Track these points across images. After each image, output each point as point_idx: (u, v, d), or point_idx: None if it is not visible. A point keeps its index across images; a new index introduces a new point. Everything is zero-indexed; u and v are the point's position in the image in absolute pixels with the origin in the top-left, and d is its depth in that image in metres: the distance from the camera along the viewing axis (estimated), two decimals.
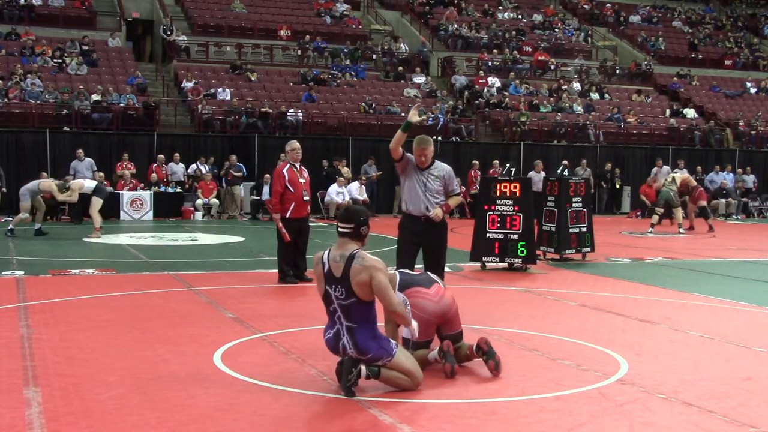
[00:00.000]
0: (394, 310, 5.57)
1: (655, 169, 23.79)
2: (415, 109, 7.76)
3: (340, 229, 5.63)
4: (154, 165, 22.58)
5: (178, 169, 22.74)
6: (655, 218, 19.69)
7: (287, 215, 10.53)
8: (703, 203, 20.54)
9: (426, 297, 6.18)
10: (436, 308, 6.16)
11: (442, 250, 7.90)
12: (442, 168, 7.89)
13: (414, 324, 5.75)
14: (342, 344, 5.55)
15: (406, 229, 7.86)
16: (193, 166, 22.89)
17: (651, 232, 19.26)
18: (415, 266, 7.44)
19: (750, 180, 27.71)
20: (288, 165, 10.71)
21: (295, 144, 10.89)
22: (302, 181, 10.69)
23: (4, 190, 20.57)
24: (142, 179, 22.26)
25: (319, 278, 5.65)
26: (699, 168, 27.39)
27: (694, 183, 20.90)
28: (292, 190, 10.54)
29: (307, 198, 10.71)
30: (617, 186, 26.94)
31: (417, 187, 7.74)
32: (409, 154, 7.83)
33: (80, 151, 20.87)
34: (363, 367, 5.48)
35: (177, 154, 22.88)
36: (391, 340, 5.70)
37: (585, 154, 26.93)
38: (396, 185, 24.33)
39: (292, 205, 10.54)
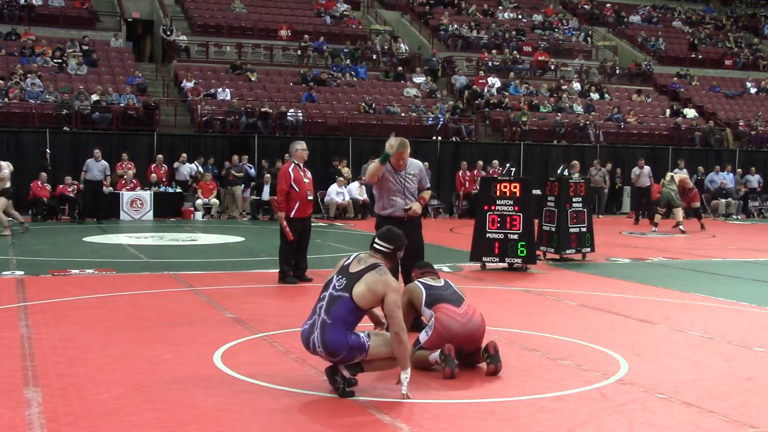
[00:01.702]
0: (399, 336, 5.32)
1: (636, 169, 23.85)
2: (391, 139, 7.88)
3: (376, 246, 5.69)
4: (153, 165, 22.56)
5: (184, 169, 22.71)
6: (657, 218, 19.74)
7: (291, 214, 10.55)
8: (697, 204, 20.92)
9: (454, 317, 6.09)
10: (462, 330, 6.06)
11: (421, 245, 8.10)
12: (415, 166, 8.13)
13: (407, 372, 5.39)
14: (312, 340, 5.42)
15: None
16: (192, 166, 22.88)
17: (655, 232, 19.33)
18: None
19: (755, 180, 27.67)
20: (293, 164, 10.73)
21: (301, 144, 10.92)
22: (306, 180, 10.71)
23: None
24: (141, 179, 22.25)
25: (336, 267, 5.69)
26: (700, 168, 27.39)
27: (691, 185, 21.06)
28: (296, 189, 10.56)
29: (310, 198, 10.74)
30: (617, 186, 26.97)
31: (396, 190, 7.95)
32: (386, 168, 8.01)
33: (97, 152, 20.56)
34: (346, 372, 5.42)
35: (184, 155, 22.86)
36: (362, 336, 5.45)
37: (585, 154, 26.95)
38: None
39: (297, 204, 10.56)
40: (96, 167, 20.17)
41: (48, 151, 21.39)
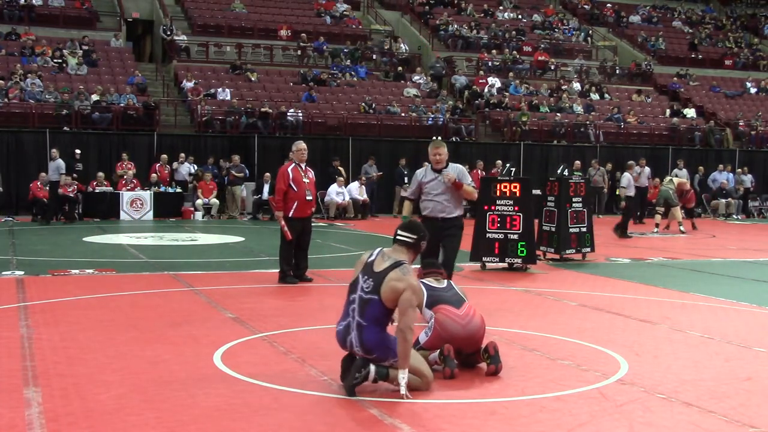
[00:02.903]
0: (404, 334, 5.36)
1: (637, 168, 23.85)
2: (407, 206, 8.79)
3: (399, 237, 5.76)
4: (157, 165, 22.55)
5: (183, 168, 22.71)
6: (657, 218, 19.77)
7: (290, 214, 10.55)
8: (692, 205, 21.30)
9: (454, 318, 6.09)
10: (462, 332, 6.06)
11: (450, 251, 8.46)
12: (454, 168, 8.59)
13: (405, 372, 5.40)
14: (350, 340, 5.56)
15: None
16: (190, 166, 22.87)
17: (656, 232, 19.35)
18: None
19: (748, 180, 27.73)
20: (293, 164, 10.73)
21: (301, 145, 10.92)
22: (306, 180, 10.71)
23: (0, 189, 20.61)
24: (142, 179, 22.26)
25: (359, 264, 5.71)
26: (701, 168, 27.39)
27: (688, 187, 21.20)
28: (295, 189, 10.55)
29: (310, 198, 10.72)
30: (617, 193, 26.97)
31: (432, 192, 8.51)
32: (421, 174, 8.70)
33: (54, 151, 20.13)
34: (372, 369, 5.44)
35: (183, 154, 22.85)
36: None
37: (585, 154, 26.95)
38: (395, 185, 24.40)
39: (295, 204, 10.55)
40: (51, 167, 19.75)
41: (78, 151, 21.31)
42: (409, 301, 5.44)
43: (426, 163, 9.57)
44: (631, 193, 18.38)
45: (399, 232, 5.79)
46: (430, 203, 8.53)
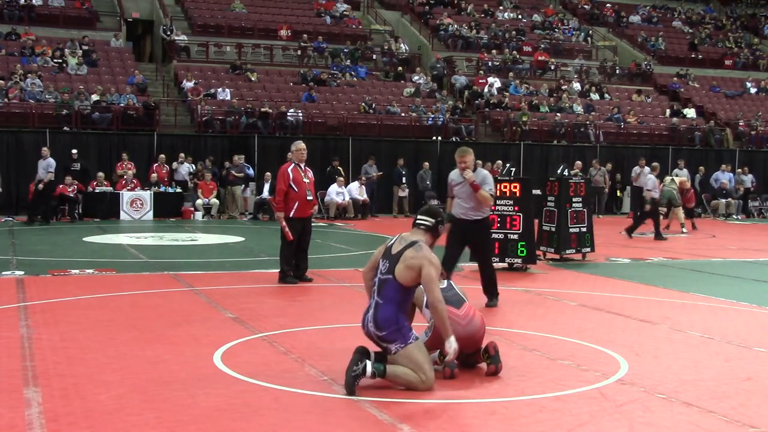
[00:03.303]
0: (436, 305, 5.59)
1: (636, 168, 23.86)
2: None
3: (418, 221, 5.99)
4: (155, 165, 22.56)
5: (182, 168, 22.70)
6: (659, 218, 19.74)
7: (291, 214, 10.55)
8: (692, 205, 21.28)
9: (454, 318, 6.07)
10: (463, 332, 6.05)
11: (481, 246, 9.29)
12: (478, 173, 9.21)
13: (452, 339, 5.63)
14: (366, 318, 5.73)
15: (452, 233, 9.05)
16: (189, 166, 22.86)
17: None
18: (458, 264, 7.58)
19: (748, 180, 27.73)
20: (293, 164, 10.73)
21: (300, 144, 10.92)
22: (306, 180, 10.71)
23: (0, 189, 20.61)
24: (142, 179, 22.26)
25: (380, 251, 5.89)
26: (702, 168, 27.39)
27: (689, 186, 21.23)
28: (295, 189, 10.55)
29: (310, 198, 10.73)
30: (617, 193, 27.04)
31: (460, 195, 9.16)
32: (451, 177, 9.35)
33: (45, 150, 19.91)
34: (369, 364, 5.50)
35: (182, 154, 22.84)
36: (413, 332, 5.75)
37: (585, 154, 26.95)
38: (394, 185, 24.44)
39: (296, 204, 10.56)
40: (41, 166, 19.45)
41: (75, 151, 21.24)
42: (430, 275, 5.59)
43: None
44: (656, 194, 18.32)
45: (418, 216, 6.01)
46: (458, 205, 9.16)
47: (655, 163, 20.07)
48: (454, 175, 9.40)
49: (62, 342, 6.92)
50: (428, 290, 5.63)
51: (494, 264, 12.20)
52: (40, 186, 19.49)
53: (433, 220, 5.95)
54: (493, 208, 10.12)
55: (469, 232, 9.09)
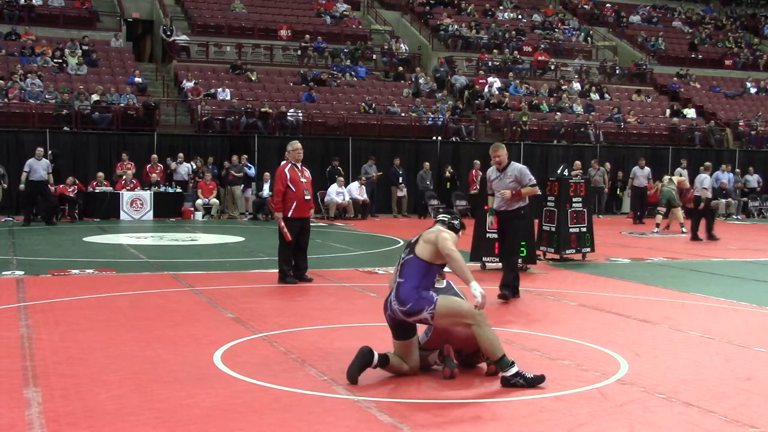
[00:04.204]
0: (450, 256, 5.73)
1: (636, 169, 23.87)
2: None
3: (439, 217, 6.29)
4: (148, 165, 22.46)
5: (181, 168, 22.69)
6: (659, 218, 19.77)
7: (289, 215, 10.54)
8: (691, 206, 20.92)
9: None
10: (462, 332, 6.03)
11: (510, 236, 9.67)
12: (514, 168, 9.73)
13: (475, 285, 5.72)
14: (389, 299, 5.87)
15: (499, 225, 9.84)
16: (188, 165, 22.85)
17: (657, 232, 19.35)
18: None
19: (754, 180, 27.70)
20: (290, 164, 10.72)
21: (296, 144, 10.91)
22: (303, 180, 10.71)
23: (5, 185, 20.60)
24: (141, 179, 22.25)
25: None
26: (702, 168, 27.31)
27: (688, 185, 21.16)
28: (293, 189, 10.55)
29: (308, 198, 10.72)
30: (618, 192, 27.05)
31: (497, 189, 9.69)
32: (488, 173, 10.08)
33: (40, 150, 19.62)
34: (376, 355, 5.75)
35: (181, 155, 22.82)
36: (432, 292, 5.86)
37: (585, 154, 26.94)
38: (391, 185, 24.46)
39: (294, 204, 10.55)
40: (40, 166, 19.17)
41: (51, 151, 21.11)
42: (444, 238, 5.82)
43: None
44: (710, 194, 18.28)
45: (440, 212, 6.43)
46: (496, 199, 9.76)
47: (707, 163, 20.06)
48: (490, 171, 9.97)
49: (62, 342, 6.92)
50: (442, 247, 5.79)
51: (494, 264, 12.27)
52: (21, 187, 19.20)
53: (450, 216, 6.20)
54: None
55: (505, 222, 9.65)
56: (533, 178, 9.84)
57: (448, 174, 24.90)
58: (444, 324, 5.85)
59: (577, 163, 23.22)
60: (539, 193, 10.54)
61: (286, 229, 10.49)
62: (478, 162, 24.56)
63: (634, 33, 37.98)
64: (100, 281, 10.64)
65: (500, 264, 12.18)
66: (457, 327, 6.05)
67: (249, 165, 22.86)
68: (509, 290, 9.48)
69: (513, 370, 5.66)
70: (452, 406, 5.32)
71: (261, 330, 7.54)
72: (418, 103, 27.43)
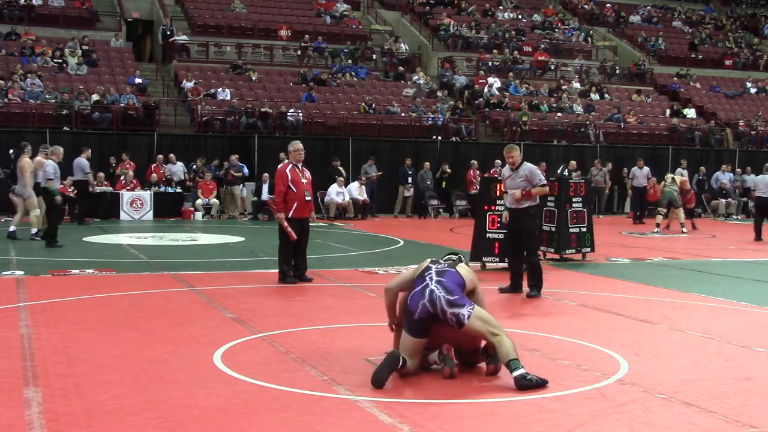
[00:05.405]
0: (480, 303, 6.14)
1: (635, 169, 23.87)
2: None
3: (445, 257, 6.48)
4: (153, 165, 22.54)
5: (176, 168, 22.69)
6: (659, 218, 19.77)
7: (289, 215, 10.54)
8: (692, 205, 21.36)
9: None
10: (461, 331, 6.07)
11: (525, 236, 9.92)
12: (525, 168, 9.97)
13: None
14: (428, 291, 5.87)
15: (509, 222, 10.10)
16: (182, 166, 22.82)
17: (657, 232, 19.36)
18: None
19: (751, 180, 27.68)
20: (290, 165, 10.72)
21: (298, 145, 10.91)
22: (304, 181, 10.70)
23: (2, 176, 20.57)
24: (141, 179, 22.25)
25: (411, 273, 6.25)
26: (702, 168, 27.38)
27: (688, 186, 21.24)
28: (294, 189, 10.55)
29: (309, 198, 10.72)
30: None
31: (509, 189, 9.99)
32: (502, 173, 10.52)
33: (87, 150, 19.74)
34: (401, 356, 5.81)
35: (172, 155, 22.77)
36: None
37: (585, 154, 26.95)
38: (399, 185, 24.40)
39: (295, 204, 10.55)
40: (79, 165, 19.20)
41: (12, 151, 20.21)
42: (481, 291, 6.31)
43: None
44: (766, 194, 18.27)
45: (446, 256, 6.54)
46: (508, 197, 10.06)
47: (572, 161, 20.06)
48: (504, 170, 10.30)
49: (62, 342, 6.92)
50: (478, 292, 6.28)
51: (494, 264, 12.28)
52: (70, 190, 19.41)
53: (456, 257, 6.39)
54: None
55: (516, 221, 9.92)
56: (543, 178, 10.10)
57: (445, 173, 24.84)
58: (473, 326, 5.83)
59: (573, 162, 23.19)
60: (548, 192, 11.00)
61: (290, 229, 10.48)
62: (476, 162, 24.59)
63: (634, 33, 37.99)
64: (100, 281, 10.64)
65: (500, 264, 12.23)
66: (476, 333, 6.03)
67: (241, 164, 22.75)
68: (537, 290, 9.82)
69: (523, 371, 5.67)
70: (452, 406, 5.32)
71: (261, 330, 7.53)
72: (418, 103, 27.43)
